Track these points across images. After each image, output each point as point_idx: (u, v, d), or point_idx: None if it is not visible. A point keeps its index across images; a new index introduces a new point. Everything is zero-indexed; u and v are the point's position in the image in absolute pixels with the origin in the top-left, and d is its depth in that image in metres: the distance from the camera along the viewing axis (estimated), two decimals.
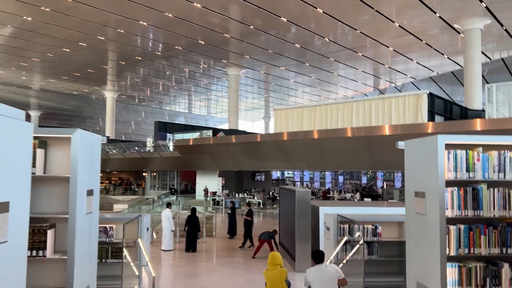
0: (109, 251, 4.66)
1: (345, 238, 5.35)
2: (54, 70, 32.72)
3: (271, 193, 24.68)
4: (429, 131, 14.37)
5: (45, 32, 23.53)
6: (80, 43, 25.49)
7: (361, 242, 5.09)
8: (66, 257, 2.43)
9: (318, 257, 5.04)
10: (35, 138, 2.52)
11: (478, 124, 13.14)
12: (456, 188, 2.90)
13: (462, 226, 2.90)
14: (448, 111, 17.50)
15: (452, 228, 2.86)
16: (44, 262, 2.63)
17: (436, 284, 2.70)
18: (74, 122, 56.78)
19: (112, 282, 4.69)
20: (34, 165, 2.52)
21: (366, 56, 27.87)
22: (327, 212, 8.15)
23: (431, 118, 15.97)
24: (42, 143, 2.65)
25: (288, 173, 49.30)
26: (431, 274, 2.77)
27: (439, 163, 2.74)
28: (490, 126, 12.80)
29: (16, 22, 22.10)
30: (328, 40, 24.56)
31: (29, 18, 21.48)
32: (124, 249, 4.59)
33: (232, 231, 13.70)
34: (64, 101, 44.94)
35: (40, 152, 2.59)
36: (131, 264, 4.95)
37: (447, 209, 2.78)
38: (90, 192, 2.69)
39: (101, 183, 40.46)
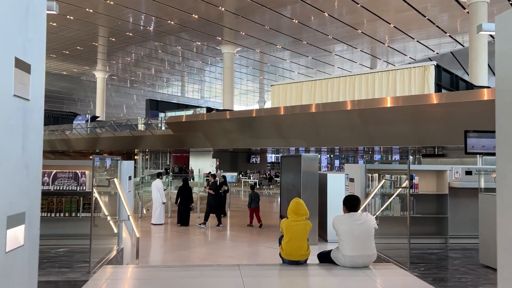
0: (81, 203, 3.75)
1: (383, 182, 4.38)
2: None
3: (267, 173, 23.84)
4: (434, 102, 13.57)
5: None
6: (67, 16, 24.24)
7: (405, 184, 4.14)
8: None
9: (352, 202, 3.95)
10: None
11: (485, 94, 12.36)
12: None
13: None
14: (454, 86, 16.68)
15: None
16: None
17: None
18: (65, 104, 55.44)
19: (85, 242, 3.77)
20: None
21: (365, 33, 26.87)
22: (337, 179, 7.29)
23: (438, 91, 15.14)
24: None
25: None
26: None
27: None
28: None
29: None
30: (327, 15, 23.52)
31: None
32: (97, 198, 3.64)
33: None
34: (53, 82, 43.56)
35: None
36: (108, 219, 4.01)
37: None
38: (24, 66, 1.75)
39: None
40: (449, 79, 16.50)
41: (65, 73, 39.97)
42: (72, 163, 3.96)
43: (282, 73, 39.29)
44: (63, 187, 3.79)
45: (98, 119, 34.19)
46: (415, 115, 14.44)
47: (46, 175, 3.74)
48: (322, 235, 8.21)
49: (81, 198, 3.81)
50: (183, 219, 10.17)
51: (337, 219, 3.98)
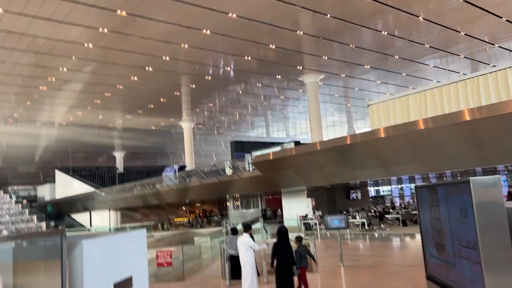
0: None
1: None
2: (128, 105, 32.08)
3: (375, 210, 20.27)
4: None
5: (109, 59, 22.41)
6: (146, 68, 24.06)
7: None
8: None
9: None
10: None
11: None
12: None
13: None
14: None
15: None
16: None
17: None
18: (158, 159, 57.17)
19: None
20: None
21: (470, 35, 22.88)
22: None
23: None
24: None
25: (383, 191, 44.13)
26: None
27: None
28: None
29: (79, 52, 21.15)
30: (421, 20, 20.29)
31: (90, 45, 20.33)
32: None
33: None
34: (145, 138, 44.90)
35: None
36: None
37: None
38: None
39: (184, 216, 39.02)
40: None
41: (153, 127, 40.75)
42: None
43: (370, 96, 35.80)
44: None
45: (186, 168, 33.69)
46: None
47: None
48: None
49: None
50: (283, 285, 7.39)
51: None
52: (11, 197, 49.36)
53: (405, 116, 14.87)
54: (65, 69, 23.18)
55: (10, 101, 28.64)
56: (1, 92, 26.27)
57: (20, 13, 16.65)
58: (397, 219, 19.31)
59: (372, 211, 20.62)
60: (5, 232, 31.11)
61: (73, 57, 21.61)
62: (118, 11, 17.08)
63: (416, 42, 23.30)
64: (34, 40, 19.27)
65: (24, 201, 48.52)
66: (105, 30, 18.75)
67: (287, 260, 7.01)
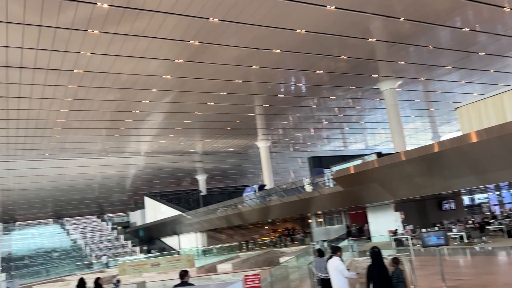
0: None
1: None
2: (206, 129, 33.20)
3: (474, 221, 18.38)
4: None
5: (187, 88, 23.41)
6: (220, 93, 24.76)
7: None
8: None
9: None
10: None
11: None
12: None
13: None
14: None
15: None
16: None
17: None
18: (237, 179, 58.17)
19: None
20: None
21: None
22: None
23: None
24: None
25: (479, 199, 40.64)
26: None
27: None
28: None
29: (158, 84, 22.36)
30: (507, 10, 18.54)
31: (168, 76, 21.41)
32: None
33: None
34: (224, 160, 46.07)
35: None
36: None
37: None
38: None
39: (267, 235, 38.99)
40: None
41: (231, 149, 41.68)
42: None
43: (454, 98, 33.31)
44: None
45: (265, 187, 33.78)
46: None
47: None
48: None
49: None
50: None
51: None
52: (107, 224, 53.35)
53: (500, 116, 13.48)
54: (147, 101, 24.68)
55: (101, 135, 31.08)
56: (93, 127, 28.57)
57: (105, 54, 18.07)
58: (501, 229, 17.42)
59: (470, 222, 18.81)
60: (104, 258, 33.33)
61: (154, 89, 22.92)
62: (191, 41, 17.82)
63: (502, 35, 21.34)
64: (118, 77, 20.77)
65: (119, 227, 52.02)
66: (181, 60, 19.67)
67: (384, 285, 6.46)
